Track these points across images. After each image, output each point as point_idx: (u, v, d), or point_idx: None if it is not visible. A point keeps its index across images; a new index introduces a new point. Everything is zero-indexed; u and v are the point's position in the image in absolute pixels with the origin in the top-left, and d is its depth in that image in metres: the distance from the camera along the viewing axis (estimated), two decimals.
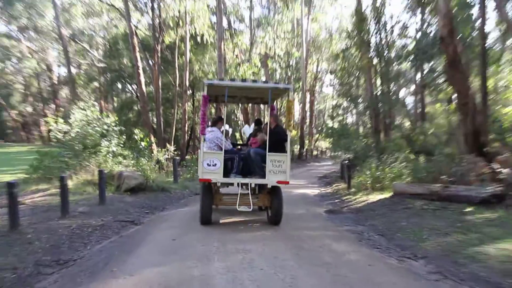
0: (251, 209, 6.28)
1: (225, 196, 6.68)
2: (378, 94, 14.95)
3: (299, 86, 33.93)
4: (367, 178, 9.40)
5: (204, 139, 6.41)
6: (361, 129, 19.73)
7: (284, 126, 7.00)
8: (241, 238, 5.38)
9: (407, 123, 18.57)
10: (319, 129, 41.69)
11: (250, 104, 22.53)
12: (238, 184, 6.42)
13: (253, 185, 6.82)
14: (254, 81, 6.57)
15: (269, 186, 6.28)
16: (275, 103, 8.02)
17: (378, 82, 16.41)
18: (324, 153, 36.66)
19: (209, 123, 6.98)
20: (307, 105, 37.92)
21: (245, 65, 22.75)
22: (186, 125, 21.54)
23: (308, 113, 40.00)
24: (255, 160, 6.48)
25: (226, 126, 7.10)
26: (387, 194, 8.53)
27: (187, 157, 22.63)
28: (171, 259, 4.53)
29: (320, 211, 8.00)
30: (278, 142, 6.46)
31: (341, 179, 11.89)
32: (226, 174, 6.40)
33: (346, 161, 11.49)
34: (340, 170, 12.30)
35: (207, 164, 6.16)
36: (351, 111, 31.62)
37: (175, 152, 18.08)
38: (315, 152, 33.83)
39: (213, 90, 6.77)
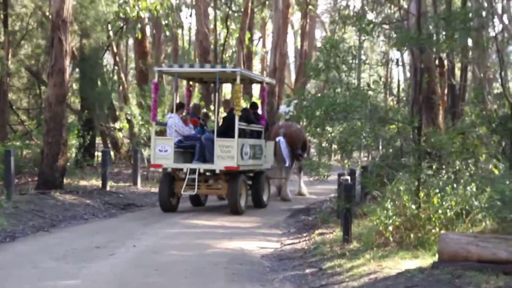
0: (194, 193, 12.88)
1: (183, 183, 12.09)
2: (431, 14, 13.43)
3: None
4: (388, 218, 9.00)
5: (166, 124, 13.45)
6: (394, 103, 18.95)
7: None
8: None
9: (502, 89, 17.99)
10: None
11: None
12: (187, 170, 12.35)
13: (201, 171, 12.26)
14: (202, 65, 13.90)
15: (216, 171, 12.19)
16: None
17: None
18: (334, 152, 33.61)
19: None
20: (288, 41, 27.05)
21: None
22: None
23: (294, 60, 31.75)
24: (206, 146, 12.58)
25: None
26: (426, 259, 7.91)
27: None
28: None
29: None
30: (229, 127, 12.48)
31: (337, 217, 11.73)
32: (190, 160, 12.75)
33: (351, 177, 11.03)
34: (337, 197, 12.04)
35: (159, 150, 12.63)
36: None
37: None
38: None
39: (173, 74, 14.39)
